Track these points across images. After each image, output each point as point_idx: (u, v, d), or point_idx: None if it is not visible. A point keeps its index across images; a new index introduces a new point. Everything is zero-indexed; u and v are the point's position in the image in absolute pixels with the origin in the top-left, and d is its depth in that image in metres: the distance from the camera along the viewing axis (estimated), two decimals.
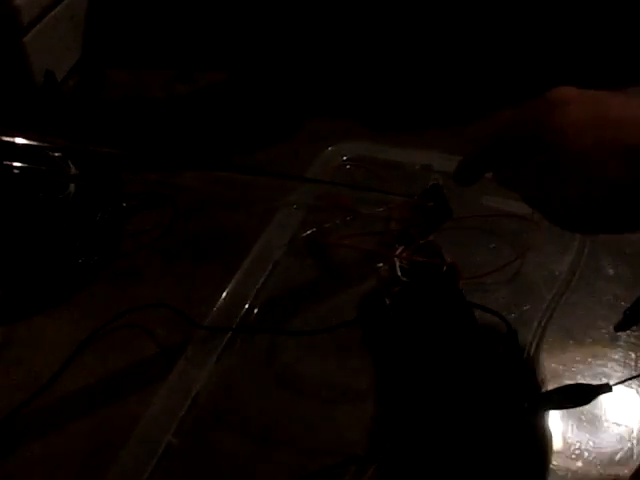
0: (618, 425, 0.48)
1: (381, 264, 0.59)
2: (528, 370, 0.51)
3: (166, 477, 0.47)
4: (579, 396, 0.43)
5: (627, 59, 0.94)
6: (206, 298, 0.59)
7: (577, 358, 0.54)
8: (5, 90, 0.82)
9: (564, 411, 0.48)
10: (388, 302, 0.55)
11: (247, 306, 0.59)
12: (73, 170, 0.67)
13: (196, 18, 1.08)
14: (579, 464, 0.46)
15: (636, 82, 0.84)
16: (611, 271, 0.63)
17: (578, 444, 0.47)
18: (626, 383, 0.49)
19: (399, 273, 0.56)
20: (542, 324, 0.57)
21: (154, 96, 0.93)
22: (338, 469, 0.47)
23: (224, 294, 0.59)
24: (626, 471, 0.45)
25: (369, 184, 0.71)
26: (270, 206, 0.68)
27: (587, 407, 0.45)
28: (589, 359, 0.54)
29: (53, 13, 0.91)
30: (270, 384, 0.53)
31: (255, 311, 0.59)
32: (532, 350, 0.54)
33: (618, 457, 0.46)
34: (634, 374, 0.51)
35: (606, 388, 0.42)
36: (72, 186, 0.66)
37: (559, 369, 0.53)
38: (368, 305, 0.58)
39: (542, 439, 0.47)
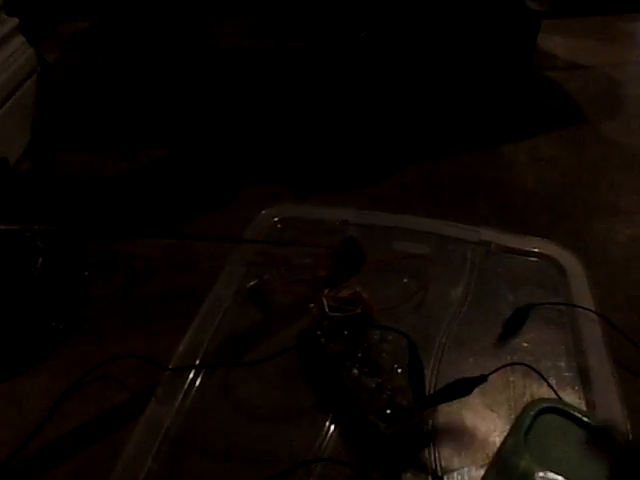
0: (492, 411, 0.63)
1: (312, 305, 0.72)
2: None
3: None
4: (462, 388, 0.57)
5: None
6: (168, 347, 0.70)
7: (469, 365, 0.69)
8: None
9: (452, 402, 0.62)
10: (319, 333, 0.68)
11: (204, 349, 0.70)
12: (40, 245, 0.76)
13: (137, 103, 1.22)
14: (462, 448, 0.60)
15: None
16: (496, 293, 0.79)
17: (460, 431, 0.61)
18: (500, 372, 0.64)
19: (327, 310, 0.69)
20: (442, 340, 0.72)
21: (102, 174, 1.04)
22: (289, 473, 0.58)
23: (183, 341, 0.70)
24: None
25: (299, 240, 0.85)
26: (215, 265, 0.81)
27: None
28: (478, 365, 0.68)
29: (5, 106, 1.01)
30: (228, 411, 0.64)
31: (211, 352, 0.70)
32: (435, 362, 0.69)
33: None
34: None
35: (482, 379, 0.57)
36: (40, 260, 0.76)
37: (454, 374, 0.66)
38: (303, 337, 0.71)
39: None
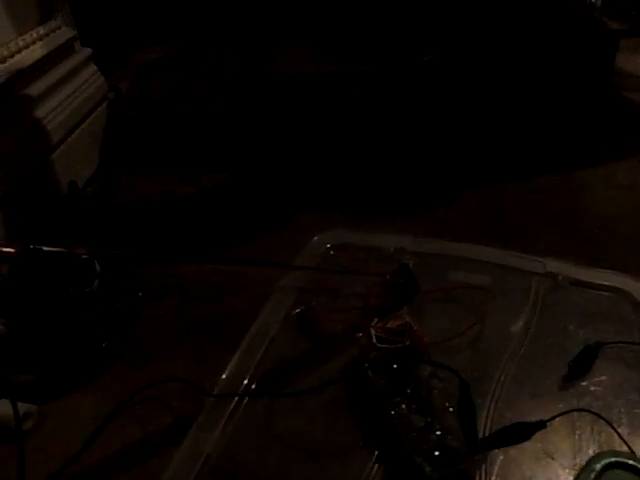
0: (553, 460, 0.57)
1: (360, 334, 0.69)
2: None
3: None
4: (519, 433, 0.52)
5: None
6: (214, 371, 0.69)
7: (529, 407, 0.63)
8: (36, 200, 0.95)
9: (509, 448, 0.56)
10: (366, 365, 0.65)
11: (249, 376, 0.68)
12: (98, 268, 0.78)
13: (198, 130, 1.25)
14: None
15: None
16: (562, 330, 0.73)
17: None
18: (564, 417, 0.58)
19: (374, 341, 0.66)
20: (500, 379, 0.66)
21: (163, 197, 1.07)
22: None
23: (229, 367, 0.69)
24: None
25: (350, 267, 0.82)
26: (265, 290, 0.80)
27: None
28: (539, 407, 0.63)
29: (76, 132, 1.07)
30: (270, 442, 0.62)
31: (256, 379, 0.68)
32: (491, 402, 0.63)
33: None
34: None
35: (540, 425, 0.52)
36: (96, 281, 0.78)
37: (513, 417, 0.61)
38: (350, 369, 0.68)
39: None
